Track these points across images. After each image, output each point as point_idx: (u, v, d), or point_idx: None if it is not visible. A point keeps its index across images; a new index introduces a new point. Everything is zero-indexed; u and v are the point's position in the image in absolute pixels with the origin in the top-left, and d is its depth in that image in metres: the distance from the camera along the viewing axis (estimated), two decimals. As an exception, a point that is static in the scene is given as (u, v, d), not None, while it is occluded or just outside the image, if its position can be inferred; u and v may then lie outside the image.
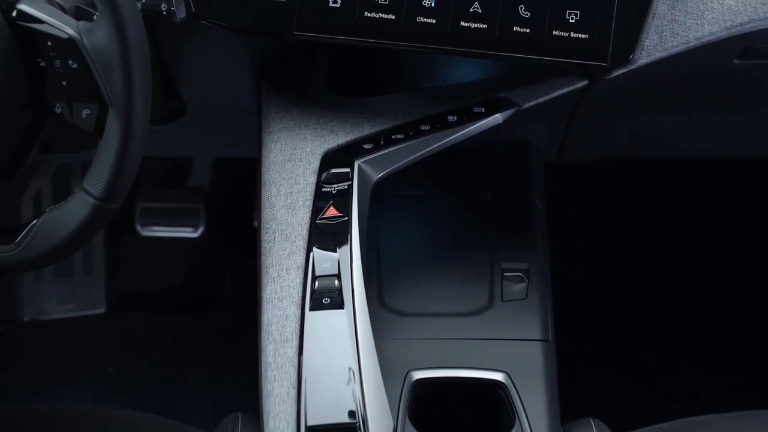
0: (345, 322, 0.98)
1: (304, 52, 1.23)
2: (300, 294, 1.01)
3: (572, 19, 1.02)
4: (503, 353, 1.08)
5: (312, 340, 0.98)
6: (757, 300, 1.83)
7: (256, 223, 1.81)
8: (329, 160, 1.10)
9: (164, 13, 1.02)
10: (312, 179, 1.08)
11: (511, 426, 1.03)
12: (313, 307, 1.00)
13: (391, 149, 1.11)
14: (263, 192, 1.09)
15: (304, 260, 1.03)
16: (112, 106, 0.89)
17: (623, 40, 1.03)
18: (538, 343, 1.10)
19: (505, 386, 1.05)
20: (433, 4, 1.03)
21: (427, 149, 1.11)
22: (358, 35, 1.04)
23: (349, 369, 0.96)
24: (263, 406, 0.96)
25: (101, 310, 1.88)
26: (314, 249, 1.03)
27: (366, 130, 1.12)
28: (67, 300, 1.87)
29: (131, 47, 0.88)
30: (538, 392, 1.05)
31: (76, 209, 0.91)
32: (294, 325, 0.99)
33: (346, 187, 1.07)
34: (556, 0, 1.02)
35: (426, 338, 1.10)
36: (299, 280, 1.02)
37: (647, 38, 1.05)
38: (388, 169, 1.11)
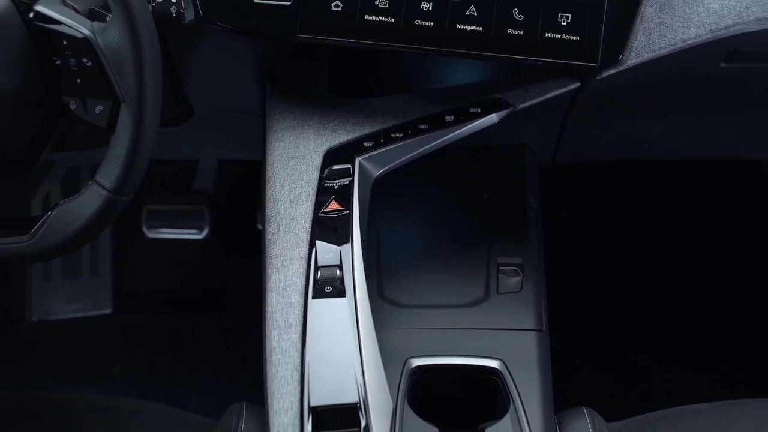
0: (346, 309, 1.00)
1: (307, 54, 1.26)
2: (303, 283, 1.03)
3: (564, 21, 1.05)
4: (498, 342, 1.09)
5: (315, 326, 1.00)
6: (748, 295, 1.85)
7: (259, 226, 1.84)
8: (331, 157, 1.12)
9: (174, 15, 1.04)
10: (314, 175, 1.10)
11: (506, 411, 1.04)
12: (316, 296, 1.02)
13: (390, 147, 1.13)
14: (267, 188, 1.11)
15: (307, 251, 1.05)
16: (124, 102, 0.92)
17: (612, 42, 1.06)
18: (533, 332, 1.11)
19: (501, 373, 1.06)
20: (430, 8, 1.05)
21: (426, 147, 1.14)
22: (359, 37, 1.06)
23: (351, 353, 0.98)
24: (268, 389, 0.98)
25: (108, 311, 1.89)
26: (317, 241, 1.05)
27: (366, 129, 1.14)
28: (75, 300, 1.89)
29: (143, 46, 0.91)
30: (532, 379, 1.06)
31: (89, 201, 0.94)
32: (297, 312, 1.01)
33: (347, 182, 1.09)
34: (548, 3, 1.05)
35: (424, 328, 1.12)
36: (302, 270, 1.04)
37: (636, 40, 1.07)
38: (388, 166, 1.13)
